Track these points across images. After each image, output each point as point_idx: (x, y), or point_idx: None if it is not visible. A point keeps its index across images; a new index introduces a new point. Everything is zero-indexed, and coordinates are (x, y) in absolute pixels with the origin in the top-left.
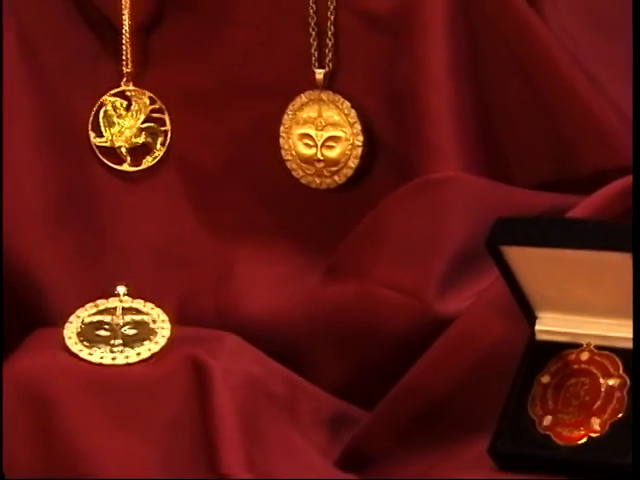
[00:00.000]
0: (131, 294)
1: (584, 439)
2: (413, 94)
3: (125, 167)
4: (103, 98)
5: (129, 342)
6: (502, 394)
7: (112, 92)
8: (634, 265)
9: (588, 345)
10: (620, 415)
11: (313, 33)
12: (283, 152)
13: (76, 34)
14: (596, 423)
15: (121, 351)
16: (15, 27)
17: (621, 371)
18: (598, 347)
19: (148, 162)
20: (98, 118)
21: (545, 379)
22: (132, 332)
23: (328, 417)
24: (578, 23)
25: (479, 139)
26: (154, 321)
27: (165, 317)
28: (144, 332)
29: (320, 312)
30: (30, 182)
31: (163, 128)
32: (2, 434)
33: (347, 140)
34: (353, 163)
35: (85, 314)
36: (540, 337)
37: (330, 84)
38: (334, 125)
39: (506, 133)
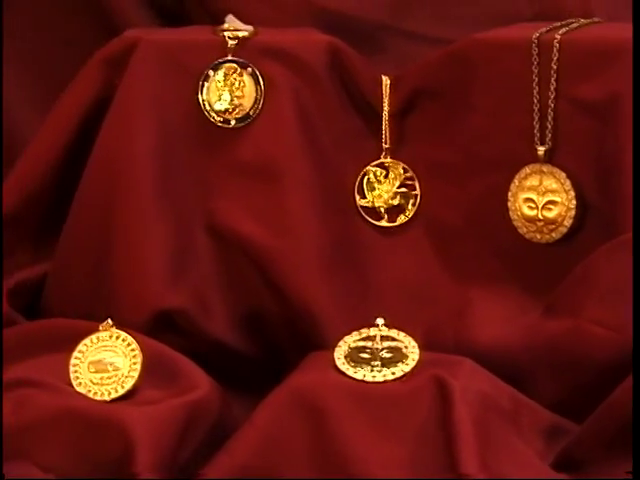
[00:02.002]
0: (387, 325)
1: None
2: (618, 167)
3: (383, 223)
4: (366, 168)
5: (386, 363)
6: None
7: (373, 163)
8: (634, 264)
9: None
10: None
11: (536, 117)
12: (510, 213)
13: (345, 117)
14: None
15: (379, 370)
16: (299, 113)
17: None
18: None
19: (402, 220)
20: (362, 184)
21: None
22: (388, 355)
23: (545, 428)
24: None
25: None
26: (406, 347)
27: (415, 344)
28: (398, 356)
29: (539, 343)
30: (308, 234)
31: (414, 192)
32: (2, 435)
33: (563, 204)
34: (568, 222)
35: (351, 340)
36: None
37: (549, 158)
38: (552, 192)
39: None
